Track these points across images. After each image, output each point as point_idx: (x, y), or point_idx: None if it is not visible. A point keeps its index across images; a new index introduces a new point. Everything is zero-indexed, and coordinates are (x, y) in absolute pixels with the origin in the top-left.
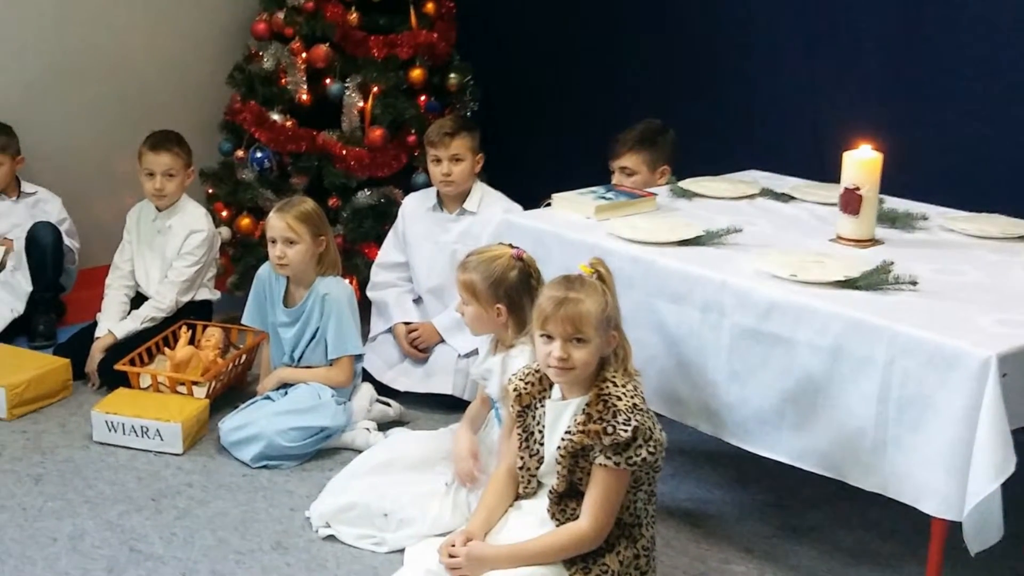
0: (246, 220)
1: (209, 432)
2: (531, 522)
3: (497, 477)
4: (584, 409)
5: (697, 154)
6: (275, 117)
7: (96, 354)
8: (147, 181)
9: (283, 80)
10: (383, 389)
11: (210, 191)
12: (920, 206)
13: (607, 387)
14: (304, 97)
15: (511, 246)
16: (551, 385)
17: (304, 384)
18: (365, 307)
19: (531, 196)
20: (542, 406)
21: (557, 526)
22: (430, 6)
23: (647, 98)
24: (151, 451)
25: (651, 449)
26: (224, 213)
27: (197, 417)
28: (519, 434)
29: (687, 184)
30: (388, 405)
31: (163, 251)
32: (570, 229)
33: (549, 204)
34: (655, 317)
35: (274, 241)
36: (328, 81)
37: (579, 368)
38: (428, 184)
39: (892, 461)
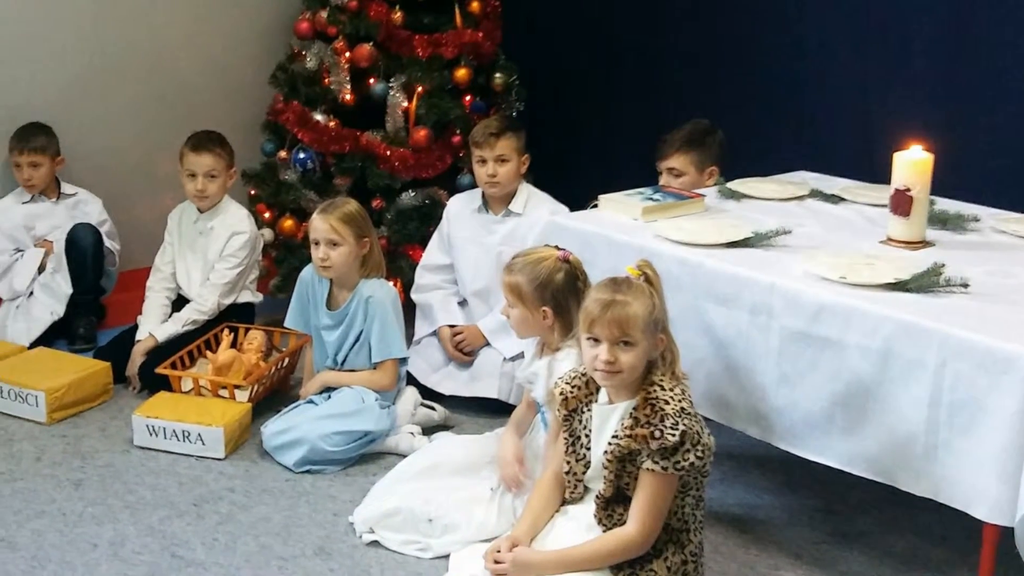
0: (289, 222)
1: (251, 436)
2: (577, 527)
3: (543, 482)
4: (631, 413)
5: (745, 155)
6: (318, 117)
7: (137, 357)
8: (189, 182)
9: (326, 80)
10: (428, 393)
11: (253, 192)
12: (971, 207)
13: (655, 391)
14: (348, 97)
15: (557, 248)
16: (598, 389)
17: (347, 388)
18: (409, 310)
19: (577, 197)
20: (589, 410)
21: (604, 532)
22: (475, 5)
23: (695, 98)
24: (193, 456)
25: (699, 453)
26: (267, 215)
27: (239, 421)
28: (565, 438)
29: (735, 185)
30: (433, 409)
31: (205, 253)
32: (617, 231)
33: (596, 205)
34: (703, 320)
35: (317, 243)
36: (372, 81)
37: (626, 371)
38: (473, 185)
39: (943, 465)
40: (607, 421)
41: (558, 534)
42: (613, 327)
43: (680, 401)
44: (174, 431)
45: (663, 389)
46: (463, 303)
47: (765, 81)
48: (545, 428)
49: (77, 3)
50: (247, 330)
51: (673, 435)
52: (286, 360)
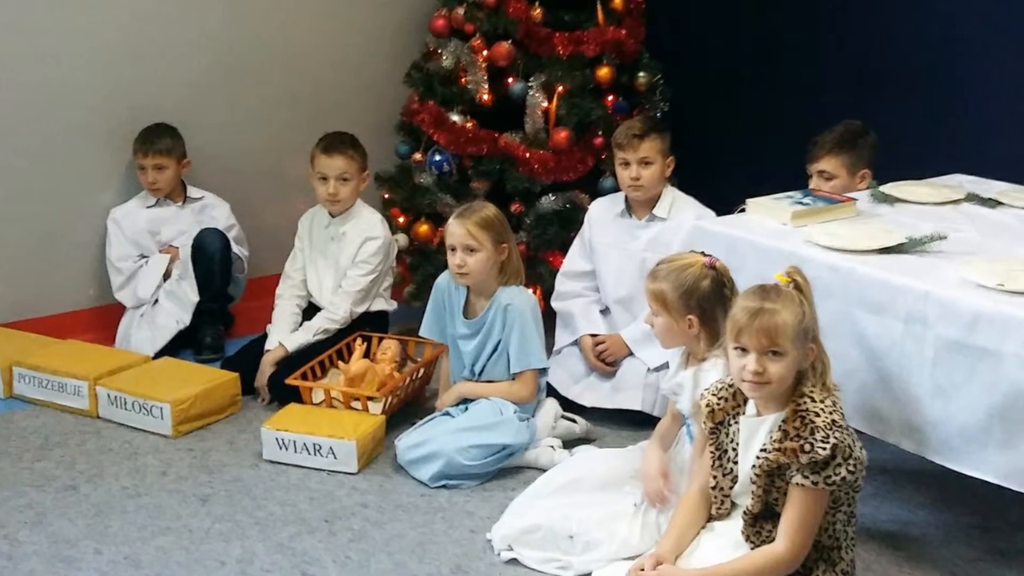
0: (424, 227)
1: (385, 450)
2: (724, 545)
3: (688, 497)
4: (780, 426)
5: (899, 157)
6: (455, 118)
7: (266, 368)
8: (320, 185)
9: (463, 79)
10: (568, 405)
11: (386, 196)
12: None
13: (805, 402)
14: (485, 97)
15: (703, 254)
16: (745, 400)
17: (485, 400)
18: (549, 318)
19: (724, 201)
20: (736, 422)
21: (752, 549)
22: (618, 1)
23: (846, 98)
24: (324, 470)
25: (851, 468)
26: (401, 219)
27: (372, 434)
28: (712, 452)
29: (888, 189)
30: (574, 421)
31: (337, 259)
32: (765, 236)
33: (743, 210)
34: (854, 329)
35: (454, 249)
36: (510, 80)
37: (775, 383)
38: (616, 189)
39: None
40: (755, 434)
41: (704, 551)
42: (761, 336)
43: (831, 413)
44: (305, 444)
45: (813, 401)
46: (605, 311)
47: (920, 81)
48: (691, 441)
49: (206, 1)
50: (381, 339)
51: (824, 449)
52: (421, 371)
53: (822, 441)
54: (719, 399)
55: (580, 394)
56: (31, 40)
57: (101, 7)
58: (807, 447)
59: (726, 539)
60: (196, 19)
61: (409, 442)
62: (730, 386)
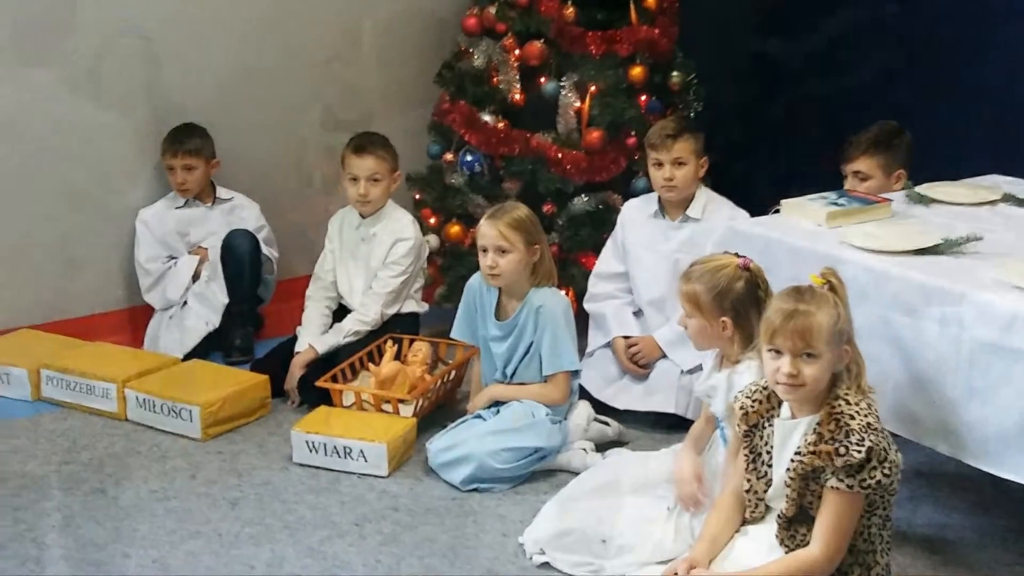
0: (455, 227)
1: (416, 453)
2: (758, 548)
3: (722, 501)
4: (815, 428)
5: (935, 158)
6: (486, 118)
7: (296, 370)
8: (350, 186)
9: (495, 79)
10: (601, 407)
11: (417, 197)
12: None
13: (839, 405)
14: (517, 97)
15: (737, 255)
16: (780, 403)
17: (517, 402)
18: (582, 320)
19: (758, 202)
20: (770, 425)
21: (786, 553)
22: (651, 0)
23: (881, 98)
24: (354, 473)
25: (886, 471)
26: (432, 220)
27: (403, 437)
28: (746, 455)
29: (924, 189)
30: (606, 424)
31: (367, 261)
32: (800, 237)
33: (778, 211)
34: (890, 331)
35: (485, 250)
36: (543, 80)
37: (809, 385)
38: (649, 189)
39: None
40: (789, 437)
41: (738, 555)
42: (796, 338)
43: (866, 416)
44: (335, 447)
45: (848, 404)
46: (638, 313)
47: (955, 80)
48: (724, 444)
49: (235, 1)
50: (412, 341)
51: (859, 452)
52: (452, 373)
53: (857, 444)
54: (753, 402)
55: (613, 396)
56: (59, 40)
57: (130, 7)
58: (842, 450)
59: (760, 543)
60: (226, 19)
61: (440, 445)
62: (764, 388)
